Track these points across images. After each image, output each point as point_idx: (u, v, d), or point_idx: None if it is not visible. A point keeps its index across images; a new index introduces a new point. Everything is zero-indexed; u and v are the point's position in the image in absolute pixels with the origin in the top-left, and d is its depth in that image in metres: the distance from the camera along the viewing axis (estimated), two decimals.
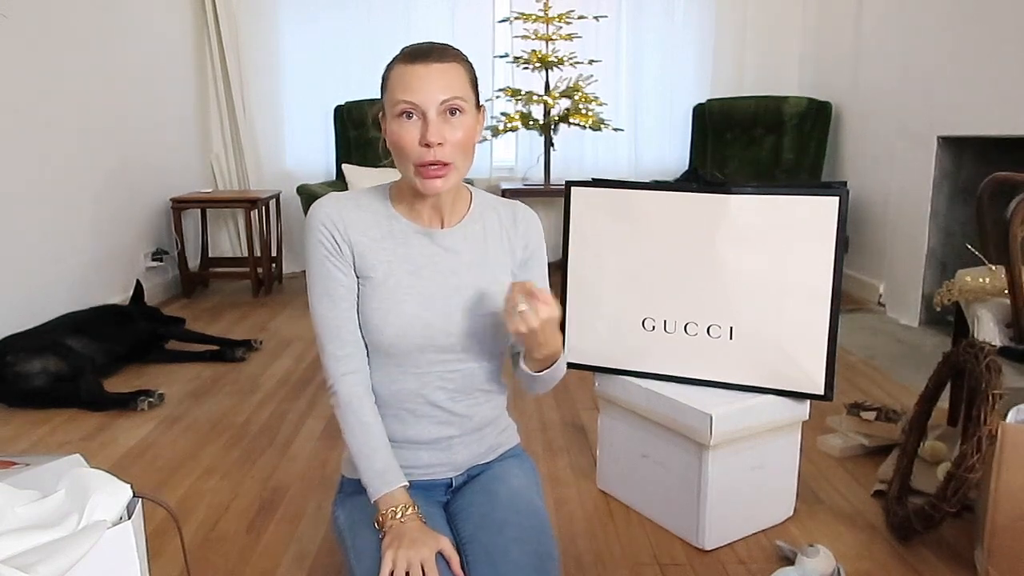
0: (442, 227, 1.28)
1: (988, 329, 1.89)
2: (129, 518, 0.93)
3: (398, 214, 1.27)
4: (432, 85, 1.14)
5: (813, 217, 1.60)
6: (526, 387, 1.33)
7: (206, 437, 2.33)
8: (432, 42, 1.20)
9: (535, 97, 4.29)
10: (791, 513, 1.82)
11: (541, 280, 1.33)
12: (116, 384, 2.75)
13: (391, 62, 1.19)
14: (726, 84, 4.77)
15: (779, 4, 4.75)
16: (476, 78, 1.22)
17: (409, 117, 1.15)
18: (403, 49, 1.19)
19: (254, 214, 4.19)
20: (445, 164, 1.16)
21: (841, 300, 1.63)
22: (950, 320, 2.50)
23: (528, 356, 1.25)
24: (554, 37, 4.29)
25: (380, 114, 1.23)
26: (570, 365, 1.81)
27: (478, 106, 1.22)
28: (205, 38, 4.55)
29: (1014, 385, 1.73)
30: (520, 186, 4.54)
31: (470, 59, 1.22)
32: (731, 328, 1.67)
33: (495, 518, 1.21)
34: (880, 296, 3.87)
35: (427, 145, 1.14)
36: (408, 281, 1.24)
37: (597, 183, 1.78)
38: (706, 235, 1.66)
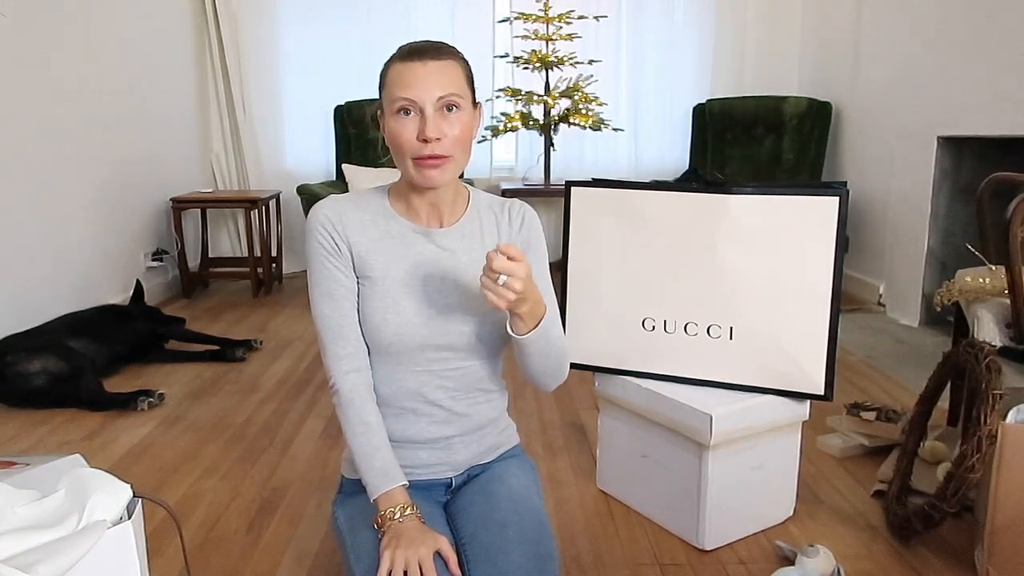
0: (440, 227, 1.28)
1: (988, 329, 1.89)
2: (129, 518, 0.93)
3: (396, 214, 1.28)
4: (429, 82, 1.14)
5: (813, 217, 1.60)
6: (533, 370, 1.27)
7: (206, 437, 2.33)
8: (429, 40, 1.20)
9: (535, 97, 4.29)
10: (791, 513, 1.82)
11: (541, 275, 1.33)
12: (116, 384, 2.75)
13: (389, 60, 1.20)
14: (726, 84, 4.77)
15: (779, 4, 4.75)
16: (472, 75, 1.23)
17: (407, 113, 1.16)
18: (400, 47, 1.20)
19: (254, 214, 4.20)
20: (443, 156, 1.17)
21: (841, 300, 1.63)
22: (950, 320, 2.50)
23: (515, 318, 1.18)
24: (554, 37, 4.29)
25: (379, 112, 1.23)
26: (570, 365, 1.81)
27: (475, 103, 1.22)
28: (205, 38, 4.55)
29: (1014, 385, 1.74)
30: (520, 186, 4.54)
31: (467, 57, 1.23)
32: (731, 328, 1.67)
33: (495, 518, 1.21)
34: (880, 296, 3.87)
35: (425, 140, 1.15)
36: (406, 280, 1.25)
37: (597, 183, 1.78)
38: (706, 235, 1.66)
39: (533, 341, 1.21)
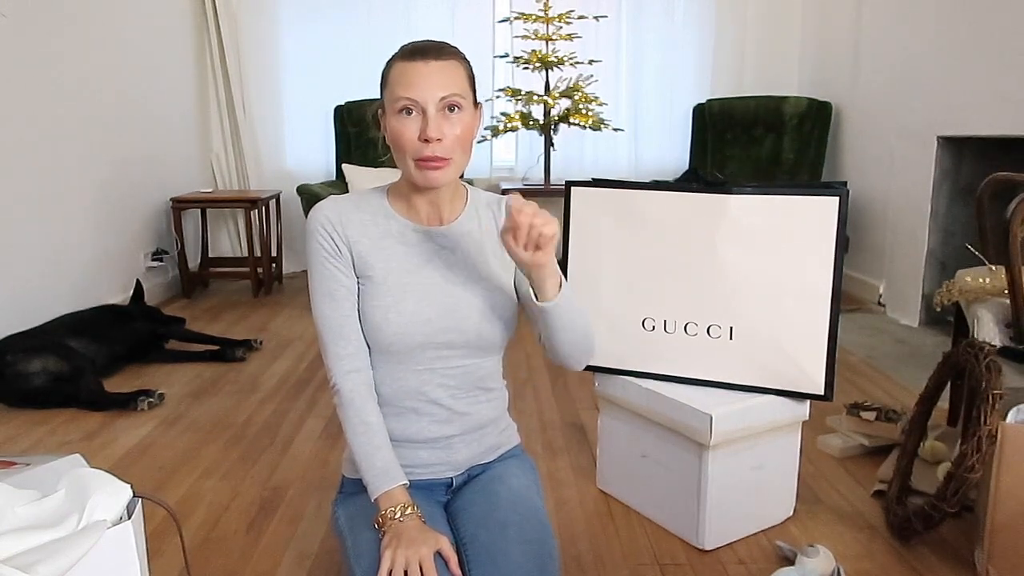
0: (440, 225, 1.28)
1: (988, 329, 1.89)
2: (129, 518, 0.93)
3: (396, 213, 1.28)
4: (431, 82, 1.15)
5: (813, 217, 1.60)
6: (562, 344, 1.25)
7: (206, 437, 2.33)
8: (431, 40, 1.20)
9: (535, 97, 4.29)
10: (791, 513, 1.82)
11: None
12: (116, 384, 2.75)
13: (390, 59, 1.20)
14: (726, 84, 4.77)
15: (779, 4, 4.75)
16: (474, 76, 1.23)
17: (409, 113, 1.16)
18: (402, 46, 1.20)
19: (254, 214, 4.20)
20: (444, 159, 1.17)
21: (841, 300, 1.63)
22: (950, 320, 2.50)
23: (538, 284, 1.17)
24: (554, 37, 4.29)
25: (379, 111, 1.23)
26: None
27: (476, 103, 1.23)
28: (205, 38, 4.55)
29: (1014, 385, 1.73)
30: (520, 186, 4.54)
31: (468, 58, 1.23)
32: (731, 328, 1.67)
33: (496, 518, 1.21)
34: (880, 296, 3.87)
35: (426, 140, 1.15)
36: (407, 279, 1.25)
37: (597, 183, 1.78)
38: (706, 235, 1.66)
39: (560, 307, 1.19)
